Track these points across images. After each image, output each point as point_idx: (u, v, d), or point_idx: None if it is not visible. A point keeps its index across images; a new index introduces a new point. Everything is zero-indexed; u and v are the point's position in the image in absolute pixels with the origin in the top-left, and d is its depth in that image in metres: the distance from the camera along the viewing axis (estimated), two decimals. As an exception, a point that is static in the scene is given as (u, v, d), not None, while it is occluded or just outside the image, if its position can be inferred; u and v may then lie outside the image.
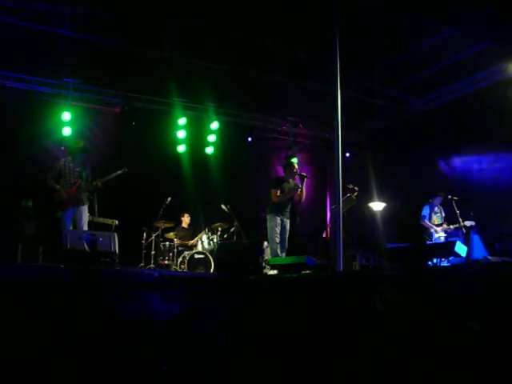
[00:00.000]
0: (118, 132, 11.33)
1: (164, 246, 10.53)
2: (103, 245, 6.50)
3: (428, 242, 10.10)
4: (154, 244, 10.47)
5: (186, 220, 11.46)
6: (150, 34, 9.74)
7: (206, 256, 10.19)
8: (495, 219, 10.10)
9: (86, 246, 6.34)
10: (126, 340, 3.75)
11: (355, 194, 8.92)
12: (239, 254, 6.92)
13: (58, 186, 8.17)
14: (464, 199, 9.89)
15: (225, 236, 10.96)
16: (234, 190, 11.89)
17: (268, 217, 8.56)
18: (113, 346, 3.68)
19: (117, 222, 9.88)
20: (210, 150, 12.71)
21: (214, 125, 12.44)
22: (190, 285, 4.59)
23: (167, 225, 10.70)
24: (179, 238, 10.84)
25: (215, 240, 10.79)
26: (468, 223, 9.81)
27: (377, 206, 11.45)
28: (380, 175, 11.91)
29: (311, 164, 13.72)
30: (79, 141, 8.64)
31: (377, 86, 11.87)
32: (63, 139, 10.67)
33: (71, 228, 8.01)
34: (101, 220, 9.41)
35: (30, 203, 10.03)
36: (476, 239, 9.90)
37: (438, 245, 9.36)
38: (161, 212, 10.51)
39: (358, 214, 10.46)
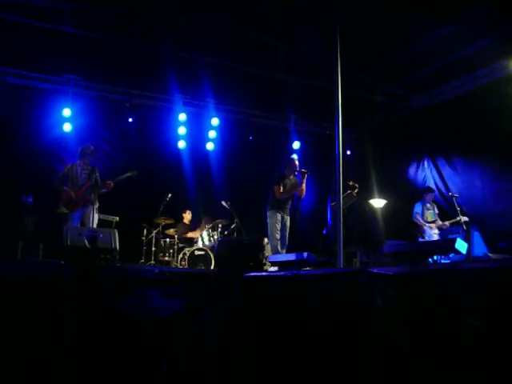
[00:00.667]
0: (119, 128, 11.32)
1: (164, 242, 10.53)
2: (103, 241, 6.48)
3: (420, 240, 10.11)
4: (154, 240, 10.48)
5: (187, 216, 11.46)
6: (150, 30, 9.73)
7: (207, 252, 10.20)
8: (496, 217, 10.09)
9: (86, 243, 6.33)
10: (126, 337, 3.75)
11: (356, 190, 8.93)
12: (239, 251, 6.90)
13: (65, 188, 8.18)
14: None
15: (225, 232, 10.96)
16: (235, 187, 11.89)
17: (268, 213, 8.57)
18: (113, 343, 3.68)
19: (117, 218, 9.88)
20: (210, 146, 12.71)
21: (215, 121, 12.43)
22: (190, 281, 4.58)
23: (167, 221, 10.70)
24: (180, 234, 10.85)
25: (216, 236, 10.79)
26: (462, 219, 9.81)
27: (377, 202, 11.45)
28: (380, 172, 11.91)
29: (311, 160, 13.69)
30: (89, 146, 8.65)
31: (377, 83, 11.86)
32: (64, 135, 10.68)
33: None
34: (101, 216, 9.41)
35: (31, 199, 10.03)
36: (476, 236, 9.89)
37: (439, 242, 9.34)
38: (161, 208, 10.51)
39: (358, 210, 10.46)
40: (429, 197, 10.42)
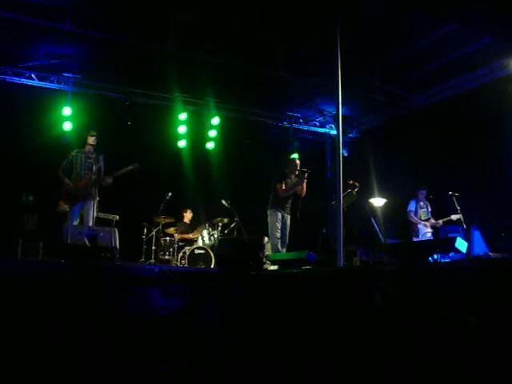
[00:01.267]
0: (119, 127, 11.31)
1: (165, 241, 10.53)
2: (104, 240, 6.49)
3: (415, 239, 10.10)
4: (154, 239, 10.48)
5: (188, 216, 11.46)
6: (150, 28, 9.72)
7: (207, 251, 10.20)
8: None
9: (86, 241, 6.33)
10: (126, 335, 3.76)
11: (356, 189, 8.92)
12: (240, 250, 6.91)
13: (66, 180, 8.11)
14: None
15: (225, 231, 10.96)
16: (235, 186, 11.89)
17: (269, 212, 8.57)
18: (113, 342, 3.68)
19: (117, 217, 9.88)
20: (210, 145, 12.71)
21: (215, 120, 12.42)
22: (190, 280, 4.59)
23: (168, 220, 10.70)
24: (180, 233, 10.85)
25: (216, 235, 10.79)
26: (454, 217, 9.81)
27: (377, 201, 11.44)
28: (380, 171, 11.90)
29: (312, 159, 13.70)
30: (93, 131, 8.53)
31: (377, 81, 11.85)
32: (64, 134, 10.68)
33: (77, 222, 7.99)
34: (101, 215, 9.41)
35: (31, 198, 10.04)
36: (477, 235, 9.87)
37: (439, 241, 9.34)
38: (161, 207, 10.51)
39: (358, 209, 10.45)
40: (421, 194, 10.39)
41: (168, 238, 10.59)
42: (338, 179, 6.30)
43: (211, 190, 11.79)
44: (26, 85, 10.73)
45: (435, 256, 6.91)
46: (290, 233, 8.68)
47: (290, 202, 8.66)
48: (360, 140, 13.81)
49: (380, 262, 9.39)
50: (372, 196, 11.45)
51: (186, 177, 11.83)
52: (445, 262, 6.83)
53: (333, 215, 10.16)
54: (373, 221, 10.07)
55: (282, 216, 8.51)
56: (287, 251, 8.43)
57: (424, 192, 10.36)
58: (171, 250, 10.45)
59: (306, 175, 8.51)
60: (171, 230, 10.77)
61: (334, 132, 13.52)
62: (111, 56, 10.16)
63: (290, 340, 3.68)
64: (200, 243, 10.69)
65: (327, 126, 13.76)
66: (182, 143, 12.28)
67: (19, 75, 10.63)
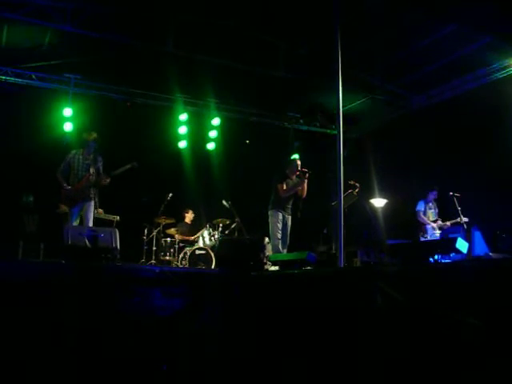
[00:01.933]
0: (119, 128, 11.31)
1: (165, 241, 10.54)
2: (104, 241, 6.48)
3: (422, 239, 10.06)
4: (155, 240, 10.48)
5: (189, 216, 11.46)
6: (151, 29, 9.72)
7: (208, 252, 10.20)
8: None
9: (87, 242, 6.33)
10: (126, 336, 3.76)
11: (356, 190, 8.92)
12: (240, 250, 6.90)
13: (65, 185, 8.13)
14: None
15: (226, 232, 10.96)
16: (236, 186, 11.89)
17: (270, 213, 8.57)
18: (113, 342, 3.68)
19: (118, 217, 9.89)
20: (211, 145, 12.71)
21: (216, 121, 12.43)
22: (191, 281, 4.58)
23: (168, 221, 10.70)
24: (181, 234, 10.85)
25: (216, 236, 10.79)
26: (463, 219, 9.77)
27: (378, 202, 11.44)
28: (381, 171, 11.90)
29: (312, 160, 13.69)
30: (92, 132, 8.53)
31: (378, 82, 11.85)
32: (64, 135, 10.68)
33: (77, 223, 8.00)
34: (102, 216, 9.41)
35: (31, 199, 10.04)
36: (477, 236, 9.87)
37: (439, 241, 9.33)
38: (162, 208, 10.51)
39: (359, 210, 10.45)
40: (432, 195, 10.33)
41: (169, 239, 10.60)
42: (339, 180, 6.29)
43: (212, 190, 11.80)
44: (27, 85, 10.73)
45: (436, 256, 6.90)
46: (290, 233, 8.67)
47: (290, 202, 8.66)
48: (361, 140, 13.79)
49: (380, 263, 9.40)
50: (373, 196, 11.46)
51: (186, 177, 11.83)
52: (445, 263, 6.82)
53: (334, 216, 10.17)
54: (374, 222, 10.09)
55: (283, 216, 8.51)
56: (288, 252, 8.43)
57: (435, 193, 10.28)
58: (172, 250, 10.46)
59: (307, 176, 8.51)
60: (172, 230, 10.78)
61: (334, 132, 13.51)
62: (112, 57, 10.16)
63: (291, 340, 3.67)
64: (201, 244, 10.69)
65: (328, 127, 13.74)
66: (182, 144, 12.29)
67: (20, 76, 10.63)
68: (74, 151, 8.30)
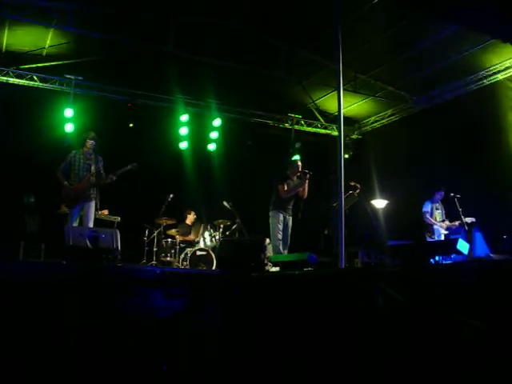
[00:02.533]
0: (120, 129, 11.32)
1: (166, 242, 10.53)
2: (105, 241, 6.49)
3: (430, 239, 9.99)
4: (156, 241, 10.47)
5: (191, 217, 11.45)
6: (152, 30, 9.74)
7: (208, 253, 10.19)
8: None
9: (87, 243, 6.33)
10: (127, 336, 3.76)
11: (357, 191, 8.92)
12: (241, 251, 6.91)
13: (65, 182, 8.12)
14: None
15: (227, 233, 10.95)
16: (236, 187, 11.89)
17: (270, 213, 8.56)
18: (114, 343, 3.68)
19: (119, 218, 9.88)
20: (212, 146, 12.71)
21: (217, 121, 12.43)
22: (191, 282, 4.58)
23: (169, 222, 10.69)
24: (181, 235, 10.84)
25: (217, 237, 10.79)
26: (469, 219, 9.72)
27: (379, 203, 11.44)
28: (382, 173, 11.90)
29: (313, 161, 13.70)
30: (90, 132, 8.53)
31: (379, 83, 11.86)
32: (65, 135, 10.69)
33: (77, 224, 7.99)
34: (103, 217, 9.42)
35: (32, 199, 10.04)
36: (478, 237, 9.86)
37: (440, 242, 9.32)
38: (163, 209, 10.51)
39: (360, 211, 10.45)
40: (439, 195, 10.18)
41: (169, 240, 10.59)
42: (340, 181, 6.29)
43: (213, 191, 11.79)
44: (28, 86, 10.73)
45: (437, 258, 6.91)
46: (291, 234, 8.66)
47: (291, 203, 8.65)
48: (362, 141, 13.81)
49: (381, 264, 9.40)
50: (374, 197, 11.46)
51: (187, 178, 11.83)
52: (446, 264, 6.82)
53: (334, 217, 10.15)
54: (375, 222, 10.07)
55: (284, 217, 8.51)
56: (289, 253, 8.42)
57: (441, 193, 10.14)
58: (173, 251, 10.45)
59: (308, 176, 8.51)
60: (173, 231, 10.77)
61: (335, 133, 13.52)
62: (113, 57, 10.17)
63: (291, 341, 3.67)
64: (201, 245, 10.68)
65: (329, 128, 13.75)
66: (183, 145, 12.29)
67: (21, 77, 10.64)
68: (74, 151, 8.30)
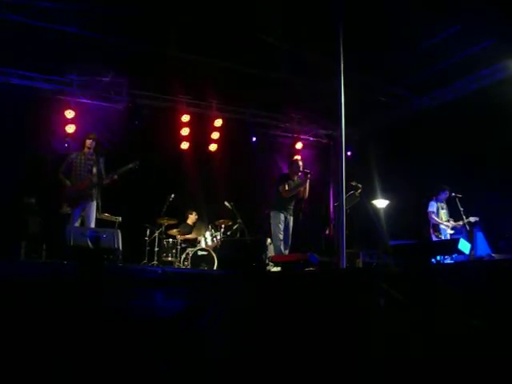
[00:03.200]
0: (122, 129, 11.32)
1: (167, 242, 10.53)
2: (106, 241, 6.51)
3: (436, 239, 9.90)
4: (157, 241, 10.48)
5: (192, 217, 11.45)
6: (154, 31, 9.73)
7: (210, 253, 10.20)
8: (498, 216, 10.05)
9: (89, 243, 6.34)
10: (127, 336, 3.76)
11: (359, 191, 8.93)
12: (242, 251, 6.92)
13: (67, 182, 8.14)
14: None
15: (228, 233, 10.96)
16: (238, 187, 11.89)
17: (271, 214, 8.56)
18: (115, 343, 3.68)
19: (120, 218, 9.89)
20: (213, 147, 12.71)
21: (218, 122, 12.43)
22: (193, 282, 4.59)
23: (170, 222, 10.70)
24: (182, 235, 10.85)
25: (218, 237, 10.80)
26: (472, 219, 9.67)
27: (380, 203, 11.43)
28: (383, 172, 11.89)
29: (315, 161, 13.70)
30: (92, 133, 8.54)
31: (380, 83, 11.85)
32: (67, 136, 10.69)
33: (79, 224, 8.01)
34: (104, 217, 9.42)
35: (34, 200, 10.05)
36: (480, 236, 9.84)
37: (441, 242, 9.31)
38: (164, 209, 10.52)
39: (361, 211, 10.44)
40: (444, 195, 10.09)
41: (171, 240, 10.60)
42: (341, 181, 6.29)
43: (214, 191, 11.79)
44: (30, 87, 10.73)
45: (438, 257, 6.91)
46: (292, 234, 8.67)
47: (292, 203, 8.65)
48: (363, 142, 13.79)
49: (383, 264, 9.40)
50: (375, 197, 11.45)
51: (188, 179, 11.82)
52: (448, 264, 6.82)
53: (336, 217, 10.14)
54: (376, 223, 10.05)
55: (285, 217, 8.51)
56: (290, 253, 8.43)
57: (446, 193, 10.06)
58: (174, 251, 10.46)
59: (309, 176, 8.51)
60: (174, 231, 10.78)
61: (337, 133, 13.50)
62: (115, 58, 10.17)
63: (292, 341, 3.67)
64: (203, 245, 10.69)
65: (330, 128, 13.74)
66: (184, 145, 12.29)
67: (23, 77, 10.65)
68: (75, 152, 8.32)
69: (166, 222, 10.57)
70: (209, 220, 11.37)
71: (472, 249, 8.62)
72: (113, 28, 9.53)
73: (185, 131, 12.21)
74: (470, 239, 9.43)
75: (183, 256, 10.31)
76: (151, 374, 3.59)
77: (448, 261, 7.38)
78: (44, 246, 9.35)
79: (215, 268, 9.79)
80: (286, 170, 8.87)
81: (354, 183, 8.89)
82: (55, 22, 9.28)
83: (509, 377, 2.72)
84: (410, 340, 3.13)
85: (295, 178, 8.72)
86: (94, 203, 8.19)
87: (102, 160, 8.35)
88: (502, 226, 10.02)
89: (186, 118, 12.10)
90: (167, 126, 12.09)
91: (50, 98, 10.90)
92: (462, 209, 9.66)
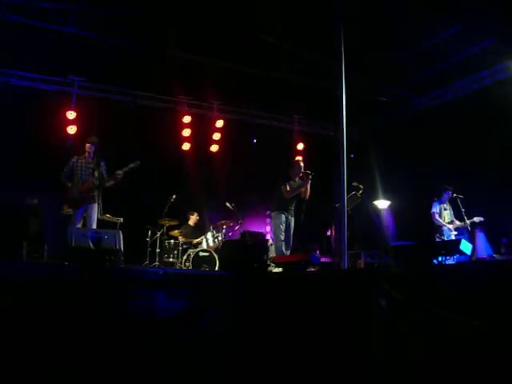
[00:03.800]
0: (123, 130, 11.31)
1: (169, 243, 10.53)
2: (108, 242, 6.50)
3: (438, 240, 9.86)
4: (158, 242, 10.48)
5: (193, 218, 11.45)
6: (154, 31, 9.74)
7: (211, 254, 10.19)
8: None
9: (90, 244, 6.34)
10: (128, 337, 3.76)
11: (360, 191, 8.92)
12: (244, 252, 6.91)
13: (69, 184, 8.18)
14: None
15: (229, 234, 10.96)
16: (239, 188, 11.89)
17: (273, 214, 8.57)
18: (116, 343, 3.69)
19: (121, 219, 9.89)
20: (214, 147, 12.71)
21: (219, 123, 12.43)
22: (194, 282, 4.59)
23: (172, 223, 10.70)
24: (184, 236, 10.84)
25: (220, 238, 10.79)
26: (477, 219, 9.62)
27: (382, 203, 11.43)
28: (384, 173, 11.89)
29: (316, 162, 13.69)
30: (92, 137, 8.56)
31: (381, 83, 11.86)
32: (68, 137, 10.70)
33: (81, 225, 8.03)
34: (106, 218, 9.43)
35: (35, 200, 10.05)
36: (481, 237, 9.83)
37: (443, 243, 9.29)
38: (165, 210, 10.52)
39: (362, 211, 10.43)
40: (446, 195, 9.99)
41: (172, 241, 10.59)
42: (343, 181, 6.29)
43: (215, 192, 11.79)
44: (31, 87, 10.74)
45: (440, 258, 6.90)
46: (293, 235, 8.66)
47: (294, 204, 8.65)
48: (363, 142, 13.79)
49: (384, 264, 9.39)
50: (377, 198, 11.45)
51: (190, 179, 11.82)
52: (449, 264, 6.82)
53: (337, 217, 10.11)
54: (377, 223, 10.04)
55: (286, 218, 8.51)
56: (291, 253, 8.43)
57: (448, 192, 9.99)
58: (175, 252, 10.45)
59: (310, 177, 8.51)
60: (175, 232, 10.78)
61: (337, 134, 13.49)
62: (115, 58, 10.17)
63: (293, 342, 3.67)
64: (204, 246, 10.69)
65: (331, 128, 13.73)
66: (186, 146, 12.30)
67: (23, 78, 10.66)
68: (76, 156, 8.36)
69: (167, 223, 10.58)
70: (210, 221, 11.37)
71: (474, 249, 8.62)
72: (113, 28, 9.55)
73: (186, 132, 12.22)
74: (472, 240, 9.42)
75: (185, 257, 10.31)
76: (151, 374, 3.59)
77: (450, 261, 7.37)
78: (45, 247, 9.35)
79: (216, 269, 9.79)
80: (287, 171, 8.84)
81: (355, 184, 8.89)
82: (55, 23, 9.29)
83: (509, 377, 2.72)
84: (411, 340, 3.13)
85: (296, 179, 8.72)
86: (96, 205, 8.20)
87: (103, 163, 8.37)
88: (502, 226, 10.02)
89: (187, 118, 12.12)
90: (168, 127, 12.09)
91: (50, 99, 10.91)
92: (463, 209, 9.64)
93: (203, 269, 9.89)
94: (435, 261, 6.86)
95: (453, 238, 9.79)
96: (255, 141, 12.87)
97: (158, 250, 10.41)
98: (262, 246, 7.30)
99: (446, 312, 3.05)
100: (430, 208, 10.06)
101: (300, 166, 8.73)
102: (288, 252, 8.42)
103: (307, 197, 8.59)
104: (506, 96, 9.66)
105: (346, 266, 6.03)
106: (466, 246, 6.94)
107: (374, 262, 10.16)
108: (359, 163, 12.31)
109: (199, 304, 4.16)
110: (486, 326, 2.85)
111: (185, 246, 10.66)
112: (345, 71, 6.50)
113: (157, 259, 10.29)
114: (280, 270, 7.42)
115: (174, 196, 10.59)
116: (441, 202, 10.04)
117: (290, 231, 8.56)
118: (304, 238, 10.07)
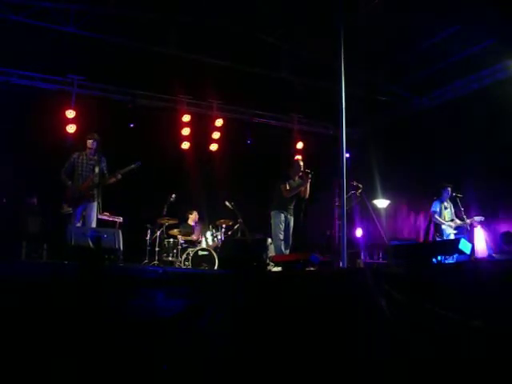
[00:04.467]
0: (122, 129, 11.32)
1: (168, 242, 10.52)
2: (107, 241, 6.50)
3: (438, 239, 9.84)
4: (158, 241, 10.48)
5: (193, 217, 11.44)
6: (154, 30, 9.74)
7: (210, 253, 10.19)
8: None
9: (90, 243, 6.34)
10: (128, 336, 3.76)
11: (359, 191, 8.93)
12: (243, 251, 6.91)
13: (69, 183, 8.15)
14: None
15: (229, 233, 10.96)
16: (238, 187, 11.88)
17: (272, 213, 8.56)
18: (115, 343, 3.68)
19: (121, 218, 9.89)
20: (214, 146, 12.71)
21: (219, 122, 12.43)
22: (194, 281, 4.58)
23: (171, 222, 10.70)
24: (183, 235, 10.84)
25: (219, 237, 10.79)
26: (478, 218, 9.60)
27: (381, 203, 11.43)
28: (384, 172, 11.89)
29: (316, 161, 13.69)
30: (93, 133, 8.56)
31: (381, 83, 11.86)
32: (68, 136, 10.70)
33: (80, 224, 8.02)
34: (105, 217, 9.42)
35: (34, 200, 10.06)
36: (481, 237, 9.83)
37: (443, 242, 9.28)
38: (165, 209, 10.51)
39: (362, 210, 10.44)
40: (446, 193, 9.92)
41: (171, 240, 10.59)
42: (342, 181, 6.29)
43: (215, 191, 11.79)
44: (31, 86, 10.74)
45: (439, 257, 6.89)
46: (293, 234, 8.66)
47: (293, 203, 8.65)
48: (363, 142, 13.79)
49: (384, 264, 9.40)
50: (376, 197, 11.45)
51: (189, 178, 11.82)
52: (449, 264, 6.82)
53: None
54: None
55: (286, 217, 8.50)
56: (290, 252, 8.42)
57: (448, 190, 9.89)
58: (175, 251, 10.44)
59: (310, 176, 8.51)
60: (175, 231, 10.77)
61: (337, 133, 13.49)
62: (115, 58, 10.17)
63: (293, 341, 3.67)
64: (203, 245, 10.69)
65: (330, 127, 13.74)
66: (185, 145, 12.30)
67: (23, 77, 10.65)
68: (77, 152, 8.32)
69: (166, 221, 10.57)
70: (209, 220, 11.37)
71: (473, 249, 8.61)
72: (113, 28, 9.55)
73: (185, 131, 12.22)
74: (472, 239, 9.42)
75: (184, 256, 10.30)
76: (151, 374, 3.59)
77: (449, 261, 7.36)
78: (45, 246, 9.35)
79: (216, 268, 9.78)
80: (287, 170, 8.84)
81: (354, 183, 8.89)
82: (55, 22, 9.29)
83: (509, 377, 2.72)
84: (411, 340, 3.13)
85: (296, 178, 8.71)
86: (95, 203, 8.19)
87: (103, 159, 8.35)
88: (502, 226, 10.02)
89: (186, 117, 12.12)
90: (168, 126, 12.09)
91: (50, 98, 10.91)
92: (462, 209, 9.63)
93: (202, 268, 9.89)
94: (434, 260, 6.86)
95: (452, 237, 9.77)
96: (249, 142, 12.84)
97: (157, 249, 10.40)
98: (261, 245, 7.29)
99: (445, 312, 3.05)
100: (430, 207, 10.04)
101: (300, 166, 8.72)
102: (287, 251, 8.42)
103: (307, 196, 8.59)
104: (505, 96, 9.65)
105: (345, 266, 6.04)
106: (465, 246, 6.92)
107: (373, 261, 10.18)
108: (359, 163, 12.33)
109: (199, 303, 4.16)
110: (485, 326, 2.85)
111: (184, 245, 10.66)
112: (345, 71, 6.50)
113: (156, 258, 10.29)
114: (279, 269, 7.42)
115: (174, 195, 10.59)
116: (441, 201, 9.97)
117: (289, 230, 8.55)
118: (304, 237, 10.07)
